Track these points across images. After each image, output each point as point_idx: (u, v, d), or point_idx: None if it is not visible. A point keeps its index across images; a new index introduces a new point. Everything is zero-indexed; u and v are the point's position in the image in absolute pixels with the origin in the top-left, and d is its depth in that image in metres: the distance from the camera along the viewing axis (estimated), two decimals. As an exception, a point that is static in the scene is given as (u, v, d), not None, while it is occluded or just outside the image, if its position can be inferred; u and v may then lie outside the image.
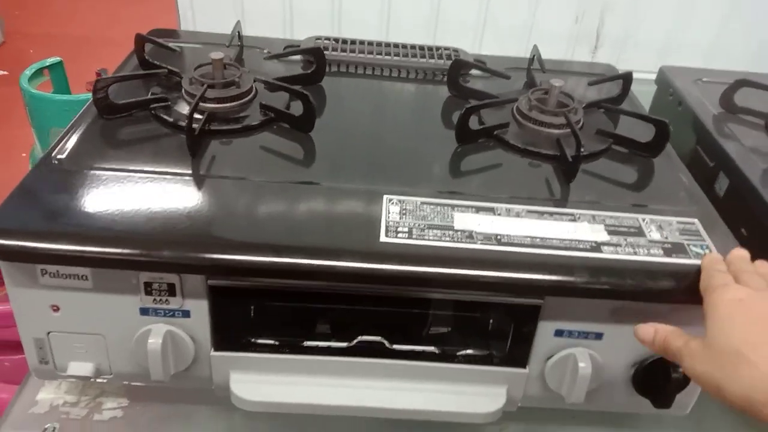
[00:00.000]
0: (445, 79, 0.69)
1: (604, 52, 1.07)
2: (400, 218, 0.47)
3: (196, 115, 0.54)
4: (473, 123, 0.58)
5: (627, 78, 0.64)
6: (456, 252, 0.45)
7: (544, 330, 0.48)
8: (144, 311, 0.47)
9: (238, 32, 0.70)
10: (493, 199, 0.50)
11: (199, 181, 0.50)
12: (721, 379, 0.37)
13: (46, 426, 0.52)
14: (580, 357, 0.47)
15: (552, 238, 0.47)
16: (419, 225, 0.47)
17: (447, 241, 0.46)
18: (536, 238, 0.47)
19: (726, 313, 0.39)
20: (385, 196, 0.49)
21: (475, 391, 0.50)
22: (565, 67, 0.75)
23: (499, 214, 0.49)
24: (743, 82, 0.65)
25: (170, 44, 0.69)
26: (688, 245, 0.47)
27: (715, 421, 0.57)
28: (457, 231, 0.47)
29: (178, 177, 0.51)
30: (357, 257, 0.44)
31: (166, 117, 0.57)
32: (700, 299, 0.42)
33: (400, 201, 0.49)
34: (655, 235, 0.48)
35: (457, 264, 0.45)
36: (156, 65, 0.62)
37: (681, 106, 0.69)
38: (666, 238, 0.48)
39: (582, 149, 0.52)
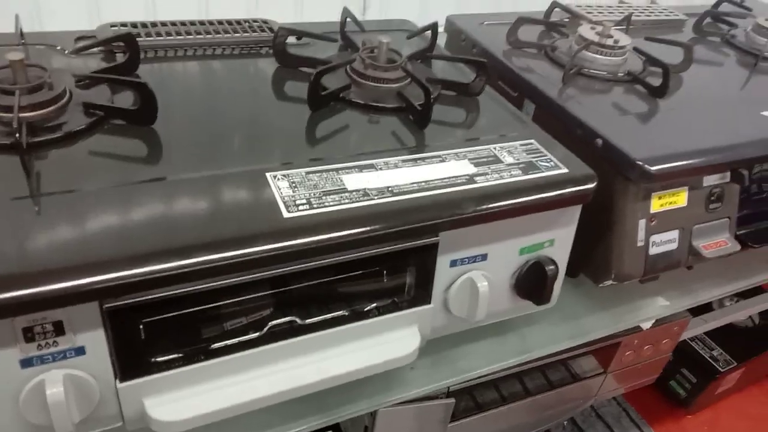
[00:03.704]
0: (263, 51, 0.68)
1: (372, 11, 1.14)
2: (294, 192, 0.47)
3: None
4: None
5: (434, 28, 0.70)
6: (361, 210, 0.46)
7: (442, 263, 0.52)
8: (26, 362, 0.40)
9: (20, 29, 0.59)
10: (366, 156, 0.52)
11: (49, 201, 0.43)
12: None
13: None
14: (476, 279, 0.52)
15: (433, 180, 0.50)
16: (315, 194, 0.47)
17: (347, 203, 0.46)
18: (421, 182, 0.50)
19: None
20: (267, 174, 0.48)
21: (390, 338, 0.52)
22: (350, 27, 0.77)
23: (380, 169, 0.51)
24: (522, 20, 0.75)
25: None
26: (537, 161, 0.55)
27: (573, 308, 0.69)
28: (351, 192, 0.47)
29: (18, 201, 0.43)
30: (268, 239, 0.43)
31: (-33, 137, 0.47)
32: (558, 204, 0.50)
33: (285, 175, 0.48)
34: (509, 159, 0.54)
35: (365, 221, 0.46)
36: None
37: (475, 48, 0.78)
38: (518, 159, 0.55)
39: (432, 96, 0.56)
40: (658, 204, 0.63)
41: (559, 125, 0.65)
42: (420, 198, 0.48)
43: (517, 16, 0.78)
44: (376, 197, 0.47)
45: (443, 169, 0.52)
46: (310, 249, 0.44)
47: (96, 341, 0.41)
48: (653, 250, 0.65)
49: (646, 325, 0.79)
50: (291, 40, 0.69)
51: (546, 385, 0.86)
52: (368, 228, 0.45)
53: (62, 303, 0.39)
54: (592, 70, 0.73)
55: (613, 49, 0.74)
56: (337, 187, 0.48)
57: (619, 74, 0.73)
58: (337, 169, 0.50)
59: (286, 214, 0.44)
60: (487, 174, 0.52)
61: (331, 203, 0.46)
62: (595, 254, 0.66)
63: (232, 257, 0.42)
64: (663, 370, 0.96)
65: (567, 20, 0.86)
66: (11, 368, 0.39)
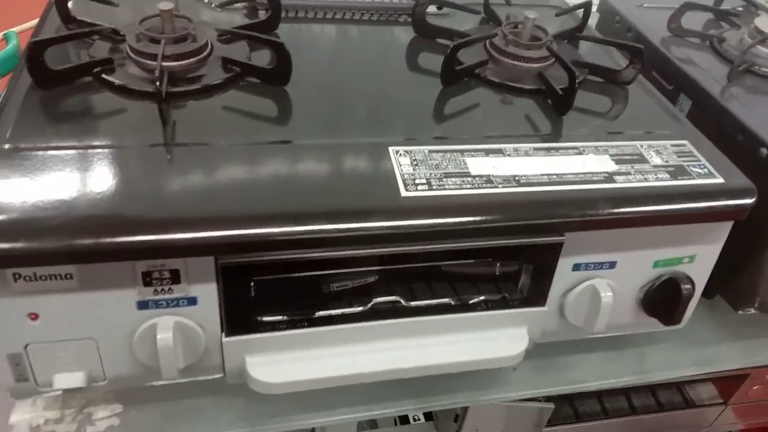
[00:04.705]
0: (401, 19, 0.66)
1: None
2: (414, 170, 0.45)
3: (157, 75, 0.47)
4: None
5: (587, 7, 0.64)
6: (482, 198, 0.43)
7: (563, 266, 0.48)
8: (142, 305, 0.42)
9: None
10: (494, 140, 0.49)
11: (182, 152, 0.44)
12: None
13: (32, 450, 0.46)
14: (600, 287, 0.48)
15: (566, 173, 0.46)
16: (435, 175, 0.44)
17: (468, 188, 0.44)
18: (552, 175, 0.46)
19: None
20: (390, 148, 0.46)
21: (497, 335, 0.50)
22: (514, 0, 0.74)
23: (509, 155, 0.47)
24: (689, 5, 0.67)
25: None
26: (688, 166, 0.49)
27: (702, 332, 0.62)
28: (474, 177, 0.45)
29: (154, 149, 0.44)
30: (383, 216, 0.41)
31: (115, 81, 0.49)
32: (708, 218, 0.44)
33: (407, 152, 0.46)
34: (656, 159, 0.49)
35: (485, 210, 0.43)
36: (89, 23, 0.53)
37: (630, 32, 0.71)
38: (667, 161, 0.49)
39: (577, 80, 0.51)
40: (825, 230, 0.55)
41: (717, 128, 0.57)
42: (549, 192, 0.44)
43: (682, 1, 0.70)
44: (500, 185, 0.44)
45: (579, 163, 0.47)
46: (424, 232, 0.42)
47: (208, 294, 0.42)
48: (811, 282, 0.56)
49: (787, 363, 0.70)
50: (431, 9, 0.67)
51: (654, 406, 0.79)
52: (488, 218, 0.42)
53: (181, 253, 0.40)
54: (764, 69, 0.64)
55: (796, 46, 0.64)
56: (460, 170, 0.45)
57: (799, 76, 0.64)
58: (461, 151, 0.47)
59: (404, 193, 0.43)
60: (629, 174, 0.47)
61: (452, 186, 0.44)
62: (740, 277, 0.58)
63: (345, 230, 0.41)
64: (795, 412, 0.85)
65: (741, 9, 0.76)
66: (129, 308, 0.41)
